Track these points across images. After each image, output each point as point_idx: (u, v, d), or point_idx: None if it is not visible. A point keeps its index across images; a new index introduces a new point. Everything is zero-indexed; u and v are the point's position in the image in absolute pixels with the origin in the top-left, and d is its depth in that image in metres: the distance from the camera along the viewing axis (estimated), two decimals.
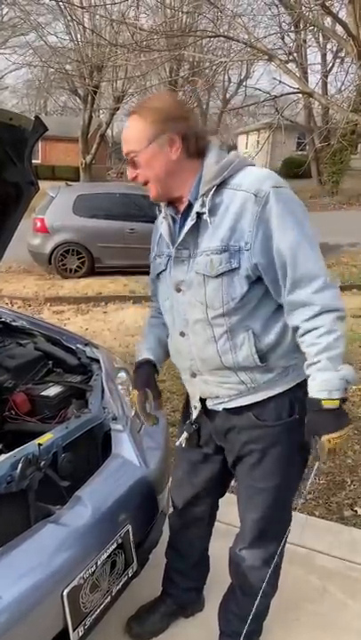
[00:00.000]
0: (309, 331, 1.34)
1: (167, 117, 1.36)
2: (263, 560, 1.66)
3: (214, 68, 7.27)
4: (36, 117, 1.81)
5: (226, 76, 16.52)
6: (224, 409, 1.53)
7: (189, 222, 1.40)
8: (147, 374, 1.63)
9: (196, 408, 1.61)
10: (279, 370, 1.46)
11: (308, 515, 2.59)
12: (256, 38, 4.22)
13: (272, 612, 1.84)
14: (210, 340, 1.45)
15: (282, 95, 4.75)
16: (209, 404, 1.56)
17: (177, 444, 1.69)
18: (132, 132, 1.39)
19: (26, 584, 1.32)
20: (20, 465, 1.49)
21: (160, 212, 1.53)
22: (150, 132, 1.36)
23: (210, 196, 1.37)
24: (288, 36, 8.47)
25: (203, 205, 1.37)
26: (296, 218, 1.34)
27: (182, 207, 1.45)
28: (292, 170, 22.36)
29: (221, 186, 1.37)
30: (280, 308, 1.42)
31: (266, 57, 4.20)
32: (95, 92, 16.80)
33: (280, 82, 5.49)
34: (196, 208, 1.38)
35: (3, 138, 1.83)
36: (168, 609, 1.92)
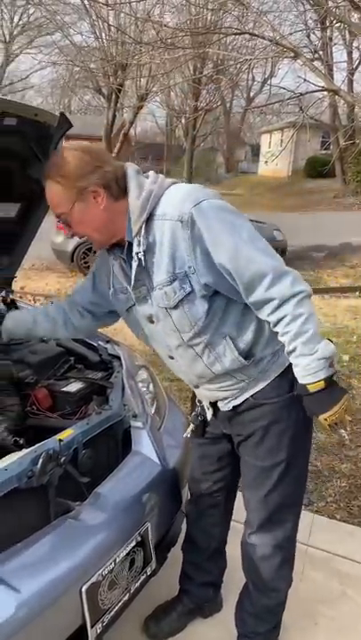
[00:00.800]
0: (277, 322, 1.37)
1: (82, 175, 1.36)
2: (273, 547, 1.66)
3: (238, 66, 7.23)
4: (61, 114, 1.81)
5: (250, 75, 16.40)
6: (234, 406, 1.57)
7: (134, 264, 1.40)
8: None
9: (208, 409, 1.67)
10: (269, 357, 1.50)
11: (329, 518, 2.55)
12: (282, 35, 4.18)
13: (290, 616, 1.81)
14: (195, 358, 1.50)
15: (307, 93, 4.70)
16: (220, 405, 1.61)
17: (184, 435, 1.76)
18: (54, 196, 1.41)
19: (45, 579, 1.32)
20: (40, 460, 1.49)
21: (108, 253, 1.52)
22: (70, 193, 1.37)
23: (142, 233, 1.37)
24: (314, 33, 8.39)
25: (139, 245, 1.38)
26: (227, 225, 1.34)
27: (125, 247, 1.44)
28: (315, 169, 22.20)
29: (150, 219, 1.37)
30: (247, 307, 1.44)
31: (292, 54, 4.16)
32: (119, 91, 16.86)
33: (305, 80, 5.43)
34: (135, 249, 1.39)
35: (28, 134, 1.84)
36: (185, 608, 1.91)
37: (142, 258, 1.37)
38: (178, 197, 1.36)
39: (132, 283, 1.44)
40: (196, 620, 1.95)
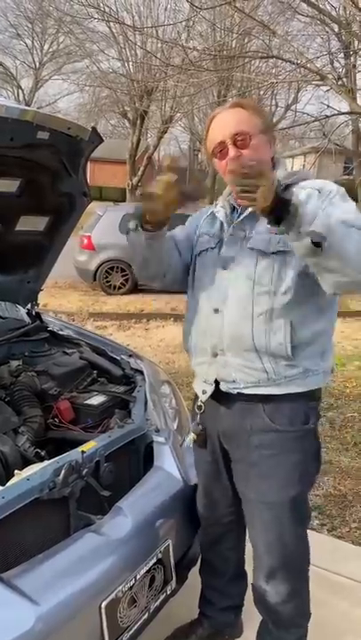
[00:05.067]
0: None
1: (269, 124, 1.52)
2: (287, 595, 1.59)
3: (262, 92, 7.33)
4: (93, 128, 1.84)
5: (273, 101, 16.55)
6: (239, 393, 1.50)
7: (251, 208, 1.44)
8: None
9: (205, 393, 1.58)
10: (301, 369, 1.47)
11: (354, 544, 2.47)
12: (308, 59, 4.23)
13: None
14: (247, 317, 1.46)
15: (333, 115, 4.72)
16: (223, 387, 1.53)
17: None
18: (244, 118, 1.49)
19: (64, 593, 1.29)
20: (62, 471, 1.48)
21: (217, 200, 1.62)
22: (261, 124, 1.50)
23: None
24: (338, 61, 8.47)
25: None
26: (352, 208, 1.36)
27: None
28: None
29: (288, 187, 1.41)
30: (322, 311, 1.46)
31: (317, 78, 4.20)
32: (144, 117, 17.21)
33: (328, 106, 5.47)
34: None
35: (59, 148, 1.87)
36: (205, 632, 1.85)
37: None
38: (323, 180, 1.48)
39: (236, 222, 1.52)
40: None
